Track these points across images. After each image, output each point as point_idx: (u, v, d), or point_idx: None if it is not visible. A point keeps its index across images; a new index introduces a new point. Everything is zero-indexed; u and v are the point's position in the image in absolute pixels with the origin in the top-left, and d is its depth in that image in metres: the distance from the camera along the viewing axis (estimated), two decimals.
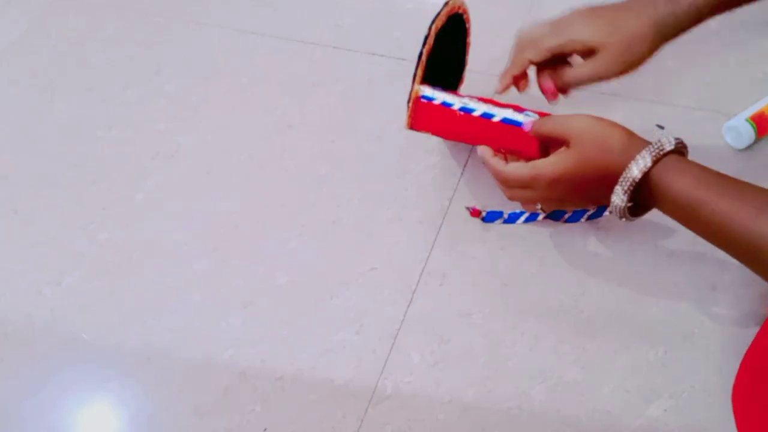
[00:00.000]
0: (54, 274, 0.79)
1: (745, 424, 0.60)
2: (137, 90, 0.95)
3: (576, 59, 0.71)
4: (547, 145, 0.67)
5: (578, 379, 0.69)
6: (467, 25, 0.78)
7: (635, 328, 0.71)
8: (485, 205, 0.79)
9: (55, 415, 0.70)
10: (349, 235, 0.79)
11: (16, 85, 0.97)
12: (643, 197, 0.61)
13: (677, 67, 0.89)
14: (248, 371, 0.71)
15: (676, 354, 0.69)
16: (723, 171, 0.58)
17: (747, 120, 0.80)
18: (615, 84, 0.70)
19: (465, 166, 0.83)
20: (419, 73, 0.70)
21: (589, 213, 0.76)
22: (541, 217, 0.77)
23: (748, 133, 0.80)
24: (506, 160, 0.70)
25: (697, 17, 0.66)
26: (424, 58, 0.69)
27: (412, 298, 0.74)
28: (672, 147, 0.59)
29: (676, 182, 0.58)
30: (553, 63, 0.72)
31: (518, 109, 0.70)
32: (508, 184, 0.67)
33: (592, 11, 0.69)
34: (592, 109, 0.71)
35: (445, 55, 0.75)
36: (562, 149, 0.63)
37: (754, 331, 0.68)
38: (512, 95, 0.73)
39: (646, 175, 0.59)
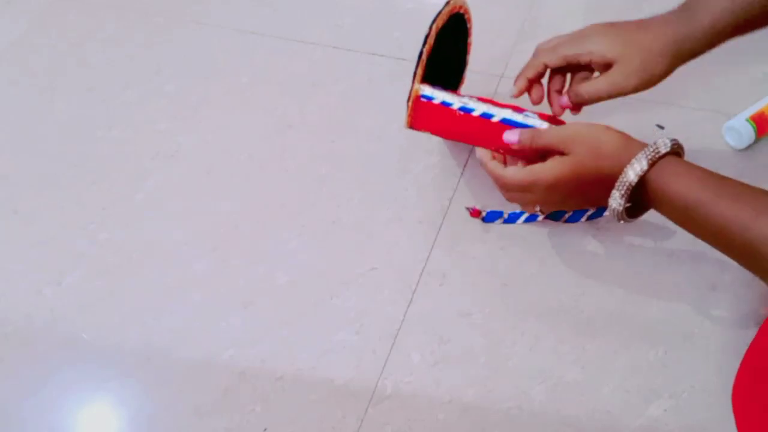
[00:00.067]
0: (54, 274, 0.78)
1: (745, 424, 0.60)
2: (137, 90, 0.95)
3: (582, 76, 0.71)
4: None
5: (578, 379, 0.69)
6: (468, 25, 0.78)
7: (635, 328, 0.71)
8: (485, 205, 0.79)
9: (55, 415, 0.70)
10: (349, 235, 0.79)
11: (16, 85, 0.97)
12: (640, 199, 0.61)
13: None
14: (248, 371, 0.71)
15: (676, 354, 0.69)
16: (723, 171, 0.58)
17: (747, 120, 0.80)
18: None
19: (465, 166, 0.83)
20: (419, 72, 0.70)
21: (589, 213, 0.76)
22: (541, 217, 0.77)
23: (748, 133, 0.80)
24: (505, 161, 0.70)
25: (714, 39, 0.65)
26: (424, 57, 0.69)
27: (412, 298, 0.74)
28: (668, 149, 0.59)
29: (673, 184, 0.58)
30: (565, 73, 0.72)
31: (518, 109, 0.70)
32: (507, 188, 0.68)
33: (611, 26, 0.69)
34: (593, 109, 0.72)
35: (446, 54, 0.75)
36: (559, 155, 0.64)
37: (754, 331, 0.68)
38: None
39: (643, 179, 0.59)
